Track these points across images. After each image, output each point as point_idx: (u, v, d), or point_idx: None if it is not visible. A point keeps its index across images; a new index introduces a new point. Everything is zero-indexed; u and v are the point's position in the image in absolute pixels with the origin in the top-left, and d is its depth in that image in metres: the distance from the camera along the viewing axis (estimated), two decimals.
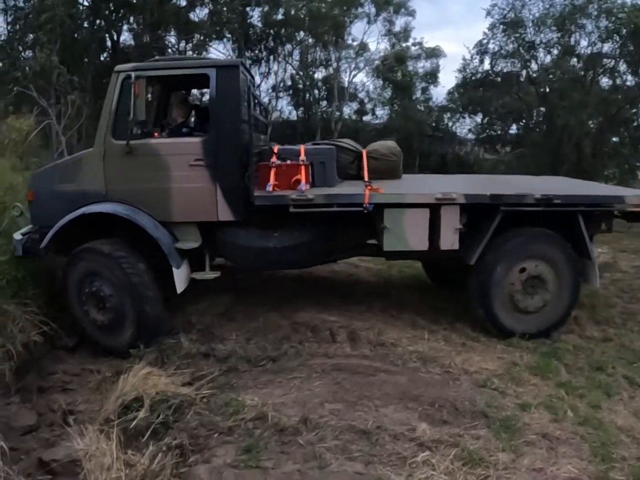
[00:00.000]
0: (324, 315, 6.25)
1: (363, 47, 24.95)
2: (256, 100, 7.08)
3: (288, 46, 23.22)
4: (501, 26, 19.64)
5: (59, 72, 13.79)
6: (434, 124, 26.32)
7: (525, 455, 3.82)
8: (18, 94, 13.47)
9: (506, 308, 6.14)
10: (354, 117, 26.44)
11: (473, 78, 21.73)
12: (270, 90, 24.27)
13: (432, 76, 26.51)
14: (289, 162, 5.94)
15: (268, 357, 5.35)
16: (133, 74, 5.57)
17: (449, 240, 5.83)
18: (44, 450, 4.34)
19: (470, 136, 26.34)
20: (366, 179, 6.31)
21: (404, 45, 26.04)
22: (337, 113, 23.85)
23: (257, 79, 23.60)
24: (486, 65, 21.09)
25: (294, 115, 25.46)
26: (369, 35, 30.82)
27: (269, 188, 5.71)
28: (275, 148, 6.04)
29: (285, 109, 25.56)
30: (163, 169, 5.68)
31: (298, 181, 5.79)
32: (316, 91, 25.00)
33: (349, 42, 24.44)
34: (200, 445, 3.96)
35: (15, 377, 5.27)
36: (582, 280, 6.28)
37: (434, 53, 26.32)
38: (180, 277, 5.68)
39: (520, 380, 5.07)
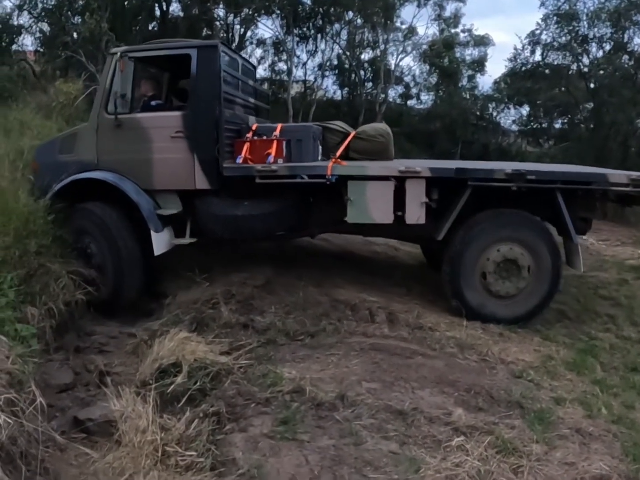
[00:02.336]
0: (364, 295, 6.16)
1: (412, 30, 24.59)
2: (248, 83, 7.55)
3: (336, 25, 22.97)
4: (555, 17, 19.17)
5: (108, 38, 13.79)
6: (478, 113, 25.96)
7: (558, 449, 3.74)
8: (66, 59, 13.56)
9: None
10: (398, 100, 26.18)
11: (523, 69, 21.20)
12: (316, 69, 24.17)
13: (479, 64, 26.14)
14: (264, 138, 6.26)
15: (306, 332, 5.30)
16: (119, 53, 6.16)
17: (415, 214, 5.82)
18: (79, 409, 4.35)
19: (514, 127, 26.06)
20: (337, 154, 6.56)
21: (453, 31, 25.69)
22: (382, 95, 23.58)
23: (304, 57, 23.56)
24: (537, 57, 20.61)
25: (338, 95, 25.33)
26: (418, 19, 30.27)
27: (239, 160, 6.07)
28: (254, 126, 6.43)
29: (330, 88, 25.48)
30: (147, 140, 6.13)
31: (269, 155, 6.06)
32: (362, 72, 24.77)
33: (398, 24, 24.15)
34: (237, 414, 3.93)
35: (54, 336, 5.30)
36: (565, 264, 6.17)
37: (483, 41, 25.89)
38: (159, 240, 6.06)
39: (555, 374, 4.96)
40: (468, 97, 25.77)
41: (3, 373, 3.36)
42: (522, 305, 6.06)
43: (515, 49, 21.53)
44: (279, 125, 6.41)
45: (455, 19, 25.38)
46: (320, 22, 22.27)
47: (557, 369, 5.08)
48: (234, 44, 21.36)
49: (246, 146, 6.15)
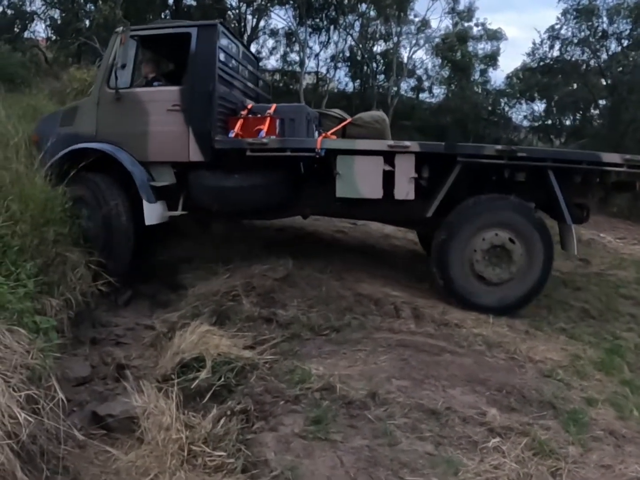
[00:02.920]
0: (387, 290, 5.98)
1: (425, 23, 24.56)
2: (248, 69, 7.75)
3: (350, 17, 22.84)
4: (574, 12, 18.91)
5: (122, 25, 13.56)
6: (490, 108, 25.85)
7: (593, 451, 3.62)
8: (79, 46, 13.40)
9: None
10: (410, 94, 26.05)
11: (541, 63, 20.91)
12: (328, 60, 24.07)
13: (491, 59, 26.02)
14: (259, 116, 6.43)
15: (331, 327, 5.10)
16: (121, 28, 6.46)
17: (404, 189, 5.82)
18: (97, 404, 4.21)
19: (525, 123, 25.91)
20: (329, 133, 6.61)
21: (466, 25, 25.55)
22: (394, 88, 23.41)
23: (316, 48, 23.42)
24: (555, 52, 20.37)
25: (350, 87, 25.24)
26: (432, 12, 30.10)
27: (231, 135, 6.22)
28: (249, 105, 6.69)
29: (342, 80, 25.40)
30: (145, 113, 6.31)
31: (260, 131, 6.18)
32: (374, 65, 24.64)
33: (411, 17, 24.12)
34: (266, 412, 3.75)
35: (70, 327, 5.13)
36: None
37: (495, 35, 25.88)
38: (150, 210, 6.14)
39: (584, 374, 4.80)
40: (480, 91, 25.68)
41: (24, 368, 3.18)
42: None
43: (534, 43, 21.32)
44: (273, 105, 6.59)
45: (469, 12, 25.33)
46: (334, 13, 22.16)
47: (586, 368, 4.92)
48: (246, 34, 21.23)
49: (239, 122, 6.31)
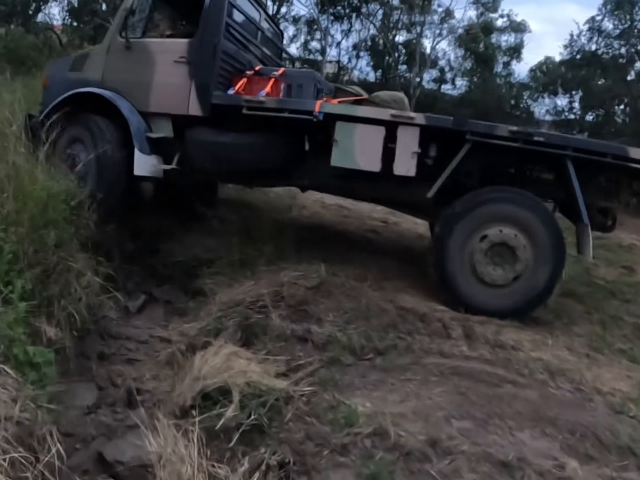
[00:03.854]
0: (432, 303, 5.24)
1: (449, 13, 23.82)
2: (270, 39, 7.55)
3: (372, 5, 22.10)
4: (613, 4, 17.96)
5: None
6: (512, 101, 25.26)
7: None
8: (95, 28, 12.72)
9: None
10: (432, 85, 25.34)
11: (578, 56, 19.93)
12: (350, 49, 23.45)
13: (515, 51, 25.35)
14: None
15: (375, 349, 4.36)
16: None
17: (404, 164, 5.33)
18: (104, 441, 3.56)
19: (548, 117, 25.28)
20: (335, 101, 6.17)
21: (491, 16, 24.81)
22: (417, 79, 22.65)
23: (338, 36, 22.77)
24: (593, 45, 19.41)
25: (372, 77, 24.54)
26: (456, 2, 29.19)
27: (231, 92, 6.03)
28: (258, 67, 6.42)
29: (364, 69, 24.80)
30: (151, 63, 6.18)
31: (261, 90, 5.98)
32: (396, 55, 23.91)
33: (435, 7, 23.39)
34: (308, 465, 3.02)
35: (75, 342, 4.44)
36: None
37: (519, 27, 25.15)
38: (141, 160, 5.98)
39: None
40: (503, 84, 25.07)
41: (9, 422, 2.45)
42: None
43: (571, 35, 20.36)
44: (282, 69, 6.39)
45: (494, 3, 24.57)
46: (356, 1, 21.50)
47: None
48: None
49: (242, 81, 6.15)
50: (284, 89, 6.16)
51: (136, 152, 5.94)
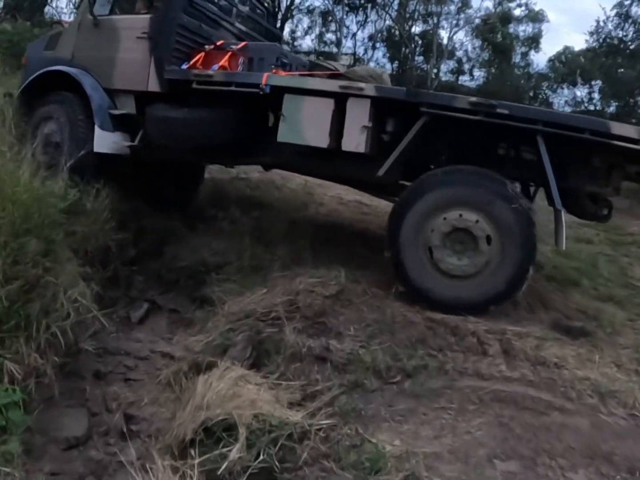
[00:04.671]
0: (464, 313, 4.64)
1: (465, 3, 23.19)
2: (247, 15, 7.21)
3: None
4: None
5: None
6: (531, 93, 24.67)
7: None
8: None
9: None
10: (450, 76, 24.73)
11: (604, 44, 19.06)
12: (366, 40, 22.88)
13: (533, 41, 24.71)
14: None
15: (402, 370, 3.78)
16: None
17: (353, 139, 4.87)
18: None
19: (567, 109, 24.69)
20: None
21: (508, 5, 24.16)
22: (434, 70, 22.03)
23: (353, 28, 22.16)
24: (620, 32, 18.57)
25: (388, 69, 23.87)
26: None
27: (184, 66, 5.79)
28: (220, 42, 6.06)
29: (380, 61, 24.24)
30: (116, 40, 6.04)
31: (221, 67, 5.72)
32: (413, 45, 23.30)
33: None
34: None
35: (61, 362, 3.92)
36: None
37: (537, 17, 24.49)
38: (102, 137, 5.86)
39: None
40: (521, 74, 24.48)
41: None
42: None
43: (597, 21, 19.50)
44: (244, 42, 6.10)
45: None
46: None
47: None
48: (280, 13, 20.02)
49: (200, 56, 5.89)
50: (243, 63, 5.91)
51: (96, 129, 5.86)
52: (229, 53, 5.83)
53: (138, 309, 5.19)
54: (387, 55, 23.73)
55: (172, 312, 5.26)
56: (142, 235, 5.91)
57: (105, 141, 5.87)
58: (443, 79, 23.84)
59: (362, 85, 4.90)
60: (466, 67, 25.05)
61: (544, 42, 29.96)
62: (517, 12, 24.35)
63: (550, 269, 6.68)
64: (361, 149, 4.87)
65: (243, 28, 6.97)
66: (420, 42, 23.52)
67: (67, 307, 3.82)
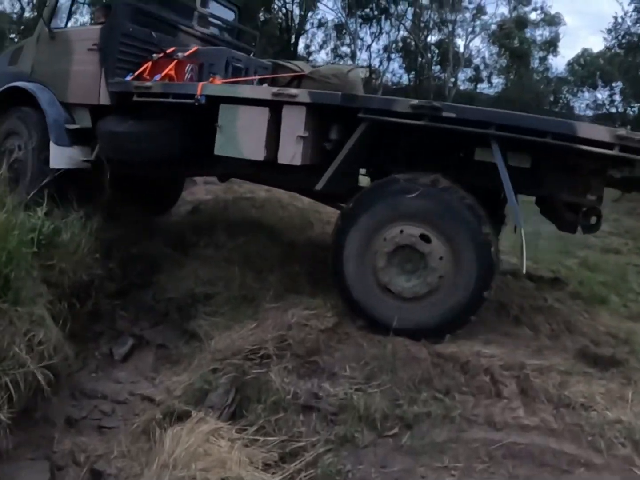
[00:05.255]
0: (477, 344, 4.11)
1: (480, 9, 22.83)
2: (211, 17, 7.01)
3: (401, 5, 21.16)
4: None
5: None
6: (551, 98, 24.21)
7: None
8: None
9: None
10: (468, 84, 24.34)
11: (623, 41, 18.46)
12: (381, 52, 22.58)
13: (551, 45, 24.28)
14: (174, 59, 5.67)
15: (401, 418, 3.27)
16: None
17: (289, 151, 4.50)
18: None
19: (589, 112, 24.22)
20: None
21: (524, 9, 23.79)
22: (451, 79, 21.61)
23: (368, 39, 21.89)
24: None
25: (405, 80, 23.59)
26: None
27: (128, 78, 5.57)
28: (170, 49, 5.77)
29: (396, 72, 23.97)
30: (70, 52, 5.93)
31: (168, 76, 5.49)
32: (429, 55, 22.93)
33: (465, 4, 22.45)
34: None
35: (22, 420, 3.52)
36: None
37: (554, 20, 24.05)
38: (57, 153, 5.73)
39: None
40: (540, 79, 24.06)
41: None
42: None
43: (615, 17, 18.91)
44: (194, 48, 5.84)
45: None
46: (384, 1, 20.55)
47: None
48: (294, 27, 19.81)
49: (146, 65, 5.65)
50: (192, 71, 5.69)
51: (51, 144, 5.72)
52: (175, 61, 5.62)
53: (122, 345, 4.77)
54: (404, 65, 23.41)
55: (160, 348, 4.81)
56: (130, 264, 5.51)
57: (61, 156, 5.75)
58: (461, 87, 23.45)
59: (295, 91, 4.55)
60: (484, 74, 24.72)
61: (561, 46, 29.44)
62: (533, 16, 24.03)
63: (575, 284, 6.15)
64: (297, 161, 4.49)
65: (206, 31, 6.79)
66: (436, 51, 23.21)
67: (25, 353, 3.42)
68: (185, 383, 3.85)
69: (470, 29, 22.84)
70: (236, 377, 3.74)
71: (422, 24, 22.12)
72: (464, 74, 24.12)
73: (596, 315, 5.33)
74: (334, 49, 23.42)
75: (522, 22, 23.12)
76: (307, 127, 4.47)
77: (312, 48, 23.37)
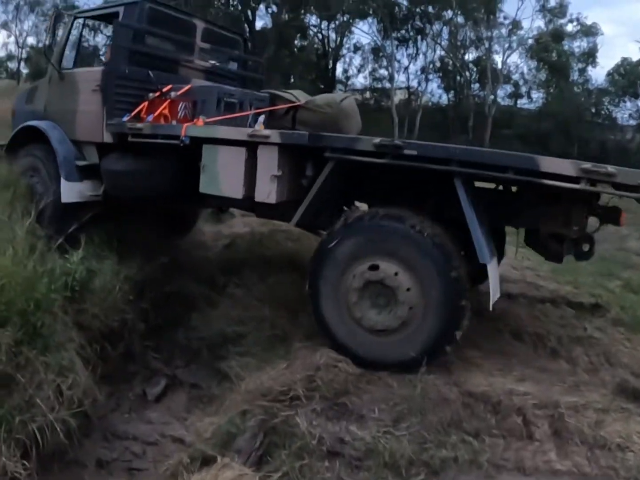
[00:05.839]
0: (510, 382, 4.00)
1: (516, 24, 22.63)
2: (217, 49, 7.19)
3: (436, 25, 21.11)
4: None
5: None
6: (593, 110, 23.79)
7: None
8: None
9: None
10: (508, 101, 24.10)
11: None
12: (418, 73, 22.58)
13: (589, 56, 23.94)
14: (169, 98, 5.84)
15: (427, 464, 3.17)
16: (69, 16, 6.67)
17: (265, 189, 4.70)
18: None
19: (632, 122, 23.74)
20: (259, 126, 5.58)
21: (559, 22, 23.50)
22: (491, 97, 21.41)
23: (404, 61, 21.98)
24: None
25: (444, 100, 23.46)
26: (522, 11, 27.77)
27: (125, 118, 5.76)
28: (167, 88, 5.91)
29: (435, 92, 23.92)
30: (77, 93, 6.16)
31: (162, 115, 5.70)
32: (467, 73, 22.79)
33: (501, 20, 22.33)
34: None
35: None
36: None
37: (591, 31, 23.69)
38: (67, 188, 5.95)
39: None
40: (580, 92, 23.68)
41: None
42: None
43: None
44: (188, 86, 6.00)
45: (562, 8, 23.24)
46: (419, 22, 20.57)
47: None
48: (330, 51, 19.98)
49: (143, 105, 5.85)
50: (185, 108, 5.92)
51: (62, 180, 5.96)
52: (168, 101, 5.81)
53: (155, 385, 4.82)
54: (442, 85, 23.30)
55: (193, 388, 4.85)
56: (163, 304, 5.61)
57: (71, 191, 5.98)
58: (502, 104, 23.21)
59: (267, 132, 4.72)
60: (523, 89, 24.39)
61: (600, 56, 28.95)
62: (569, 27, 23.64)
63: (617, 310, 5.92)
64: (272, 199, 4.67)
65: (207, 64, 6.96)
66: (474, 69, 23.04)
67: (53, 399, 3.50)
68: (214, 425, 3.85)
69: (507, 45, 22.68)
70: (265, 420, 3.69)
71: (459, 43, 22.02)
72: (503, 91, 23.89)
73: (638, 343, 5.14)
74: (372, 72, 23.49)
75: (558, 35, 22.83)
76: (280, 166, 4.64)
77: (350, 72, 23.44)
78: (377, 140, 4.20)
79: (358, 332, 4.30)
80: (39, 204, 5.90)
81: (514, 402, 3.73)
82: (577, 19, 23.50)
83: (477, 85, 23.36)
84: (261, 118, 5.98)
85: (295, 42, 19.76)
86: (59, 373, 3.73)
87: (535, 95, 24.68)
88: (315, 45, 20.48)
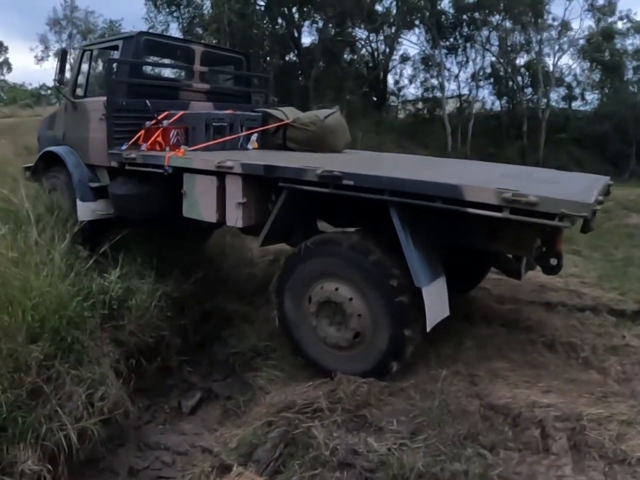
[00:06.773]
0: (535, 394, 3.92)
1: (565, 25, 22.08)
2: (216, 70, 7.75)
3: (484, 32, 20.86)
4: None
5: None
6: None
7: None
8: None
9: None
10: (562, 104, 23.45)
11: None
12: (469, 80, 22.29)
13: None
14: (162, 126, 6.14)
15: (435, 477, 3.15)
16: (79, 49, 7.09)
17: (233, 215, 5.08)
18: None
19: None
20: (254, 146, 6.53)
21: (609, 20, 22.78)
22: (544, 100, 20.95)
23: (454, 69, 21.74)
24: None
25: (497, 106, 23.07)
26: (570, 12, 26.85)
27: (124, 147, 6.05)
28: (162, 115, 6.21)
29: (487, 99, 23.52)
30: (88, 121, 6.55)
31: (156, 142, 6.06)
32: (519, 78, 22.36)
33: (549, 21, 21.83)
34: None
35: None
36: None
37: None
38: (82, 208, 6.35)
39: None
40: (636, 90, 22.87)
41: None
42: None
43: None
44: (180, 113, 6.26)
45: (610, 6, 22.54)
46: (467, 29, 20.37)
47: None
48: (381, 64, 20.02)
49: (140, 133, 6.22)
50: (176, 135, 6.22)
51: (78, 201, 6.36)
52: (161, 130, 6.12)
53: (190, 398, 4.98)
54: (494, 91, 22.94)
55: (228, 400, 4.98)
56: (203, 320, 5.89)
57: (86, 210, 6.36)
58: (555, 107, 22.66)
59: (230, 163, 4.94)
60: (577, 91, 23.70)
61: None
62: (619, 25, 22.88)
63: None
64: (239, 224, 5.03)
65: (206, 86, 7.26)
66: (526, 73, 22.58)
67: (81, 409, 3.70)
68: (239, 436, 3.94)
69: (557, 47, 22.11)
70: (286, 431, 3.76)
71: (508, 48, 21.66)
72: (556, 94, 23.27)
73: None
74: (423, 82, 23.36)
75: (609, 33, 22.12)
76: (244, 193, 4.97)
77: (402, 83, 23.38)
78: (319, 170, 4.39)
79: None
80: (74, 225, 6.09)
81: (535, 414, 3.66)
82: (627, 16, 22.72)
83: (529, 89, 22.82)
84: (254, 137, 6.53)
85: (345, 55, 19.86)
86: (90, 385, 3.91)
87: (589, 96, 23.99)
88: (365, 58, 20.51)
